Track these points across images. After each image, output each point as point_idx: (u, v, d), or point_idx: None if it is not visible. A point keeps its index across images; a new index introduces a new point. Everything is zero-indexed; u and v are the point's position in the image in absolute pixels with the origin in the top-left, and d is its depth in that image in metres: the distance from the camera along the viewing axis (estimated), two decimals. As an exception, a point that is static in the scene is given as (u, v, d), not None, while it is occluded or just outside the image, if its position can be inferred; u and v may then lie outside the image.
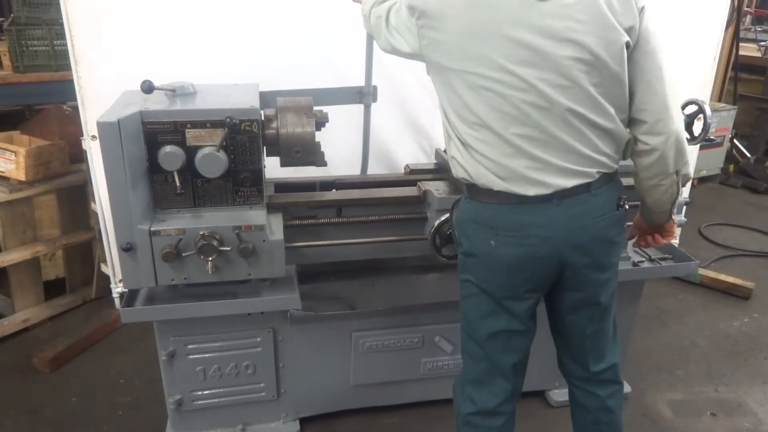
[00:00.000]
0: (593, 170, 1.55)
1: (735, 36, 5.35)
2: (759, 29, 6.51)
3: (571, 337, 1.77)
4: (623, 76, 1.51)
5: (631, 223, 1.83)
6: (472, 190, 1.63)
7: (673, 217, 1.77)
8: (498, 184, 1.53)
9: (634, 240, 1.93)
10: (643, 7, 1.51)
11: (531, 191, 1.52)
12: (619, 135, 1.57)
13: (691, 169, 1.66)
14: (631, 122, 1.60)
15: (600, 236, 1.60)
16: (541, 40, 1.43)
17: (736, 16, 5.12)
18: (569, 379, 1.86)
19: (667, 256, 2.42)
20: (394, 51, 1.73)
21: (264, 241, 1.81)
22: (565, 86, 1.46)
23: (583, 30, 1.44)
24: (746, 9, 5.88)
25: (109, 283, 2.90)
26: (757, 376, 2.89)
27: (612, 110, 1.52)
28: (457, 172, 1.65)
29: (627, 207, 1.64)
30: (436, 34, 1.53)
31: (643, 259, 2.39)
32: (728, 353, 3.07)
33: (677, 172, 1.61)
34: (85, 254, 3.34)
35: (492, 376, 1.73)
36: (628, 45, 1.49)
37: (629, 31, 1.48)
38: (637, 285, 2.42)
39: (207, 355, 2.09)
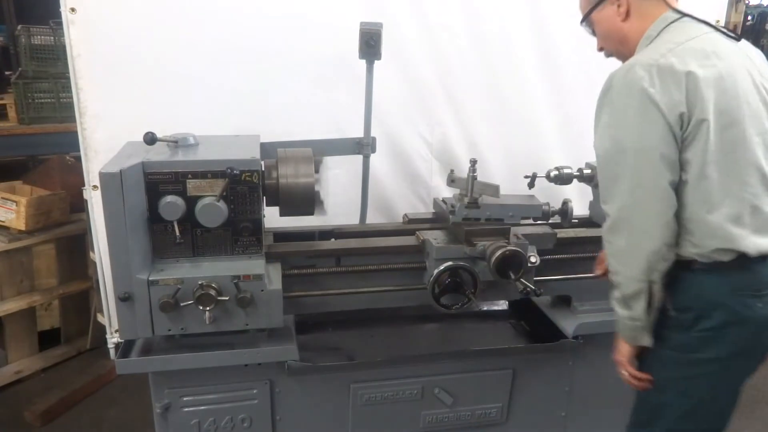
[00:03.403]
0: None
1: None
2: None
3: None
4: None
5: None
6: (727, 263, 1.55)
7: None
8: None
9: None
10: None
11: None
12: None
13: None
14: None
15: None
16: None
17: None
18: None
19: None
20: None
21: (262, 290, 1.81)
22: None
23: None
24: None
25: (105, 333, 2.87)
26: (765, 429, 2.82)
27: None
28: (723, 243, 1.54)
29: None
30: (705, 134, 1.49)
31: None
32: (734, 405, 3.01)
33: None
34: (81, 304, 3.32)
35: None
36: None
37: None
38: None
39: (202, 407, 2.04)
